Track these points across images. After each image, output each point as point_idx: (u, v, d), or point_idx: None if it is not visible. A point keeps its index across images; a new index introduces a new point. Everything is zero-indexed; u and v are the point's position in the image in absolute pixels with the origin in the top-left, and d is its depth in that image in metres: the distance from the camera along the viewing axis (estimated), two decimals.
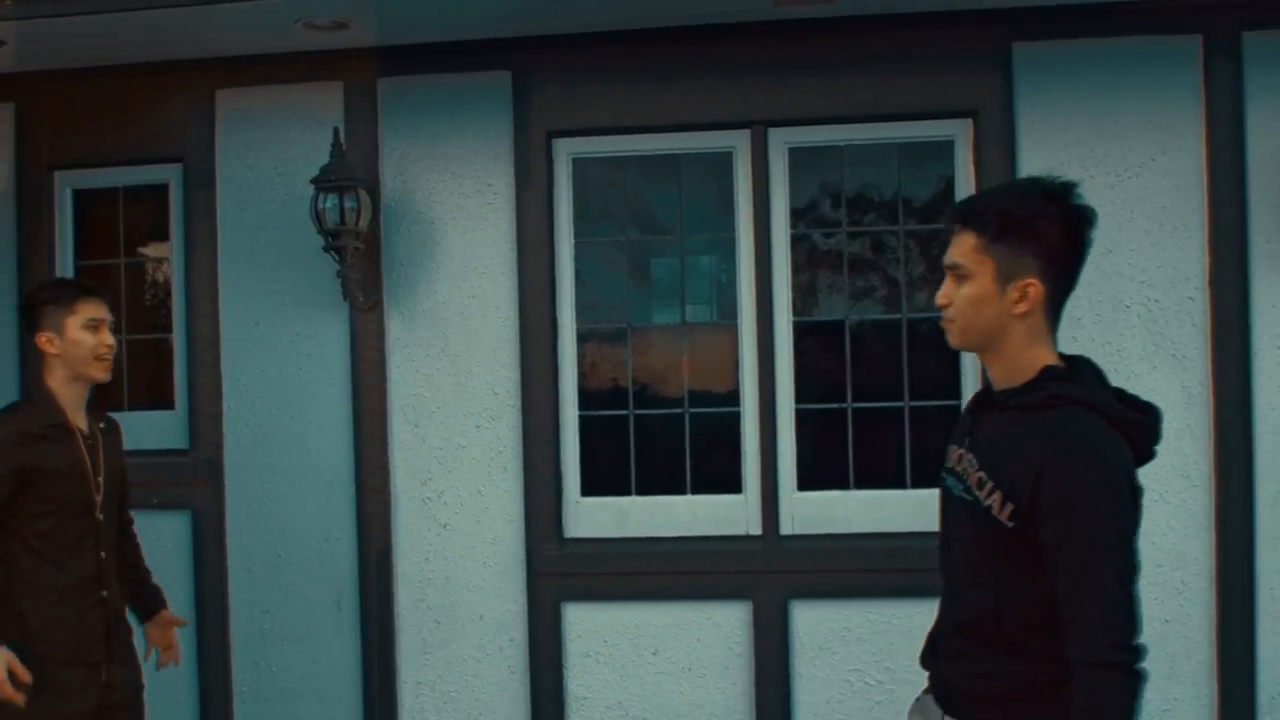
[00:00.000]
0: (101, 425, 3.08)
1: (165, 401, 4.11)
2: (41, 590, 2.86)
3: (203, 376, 4.06)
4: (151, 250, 4.25)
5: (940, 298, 1.98)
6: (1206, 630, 3.74)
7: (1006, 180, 3.75)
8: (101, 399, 4.07)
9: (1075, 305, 3.74)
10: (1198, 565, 3.75)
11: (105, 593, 2.99)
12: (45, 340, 2.93)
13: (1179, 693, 3.76)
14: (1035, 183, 1.96)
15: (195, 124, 4.07)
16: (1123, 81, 3.78)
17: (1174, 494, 3.75)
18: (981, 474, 1.91)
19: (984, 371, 2.05)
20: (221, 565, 4.05)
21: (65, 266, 4.16)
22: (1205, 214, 3.76)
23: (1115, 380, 3.77)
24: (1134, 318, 3.78)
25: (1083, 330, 3.78)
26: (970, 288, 1.92)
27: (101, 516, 2.98)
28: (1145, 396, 3.69)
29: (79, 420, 2.98)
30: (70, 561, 2.90)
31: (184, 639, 4.02)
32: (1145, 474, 3.74)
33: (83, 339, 2.93)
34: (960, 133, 3.90)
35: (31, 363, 3.99)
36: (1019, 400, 1.92)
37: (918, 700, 2.17)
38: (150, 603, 3.26)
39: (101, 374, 2.98)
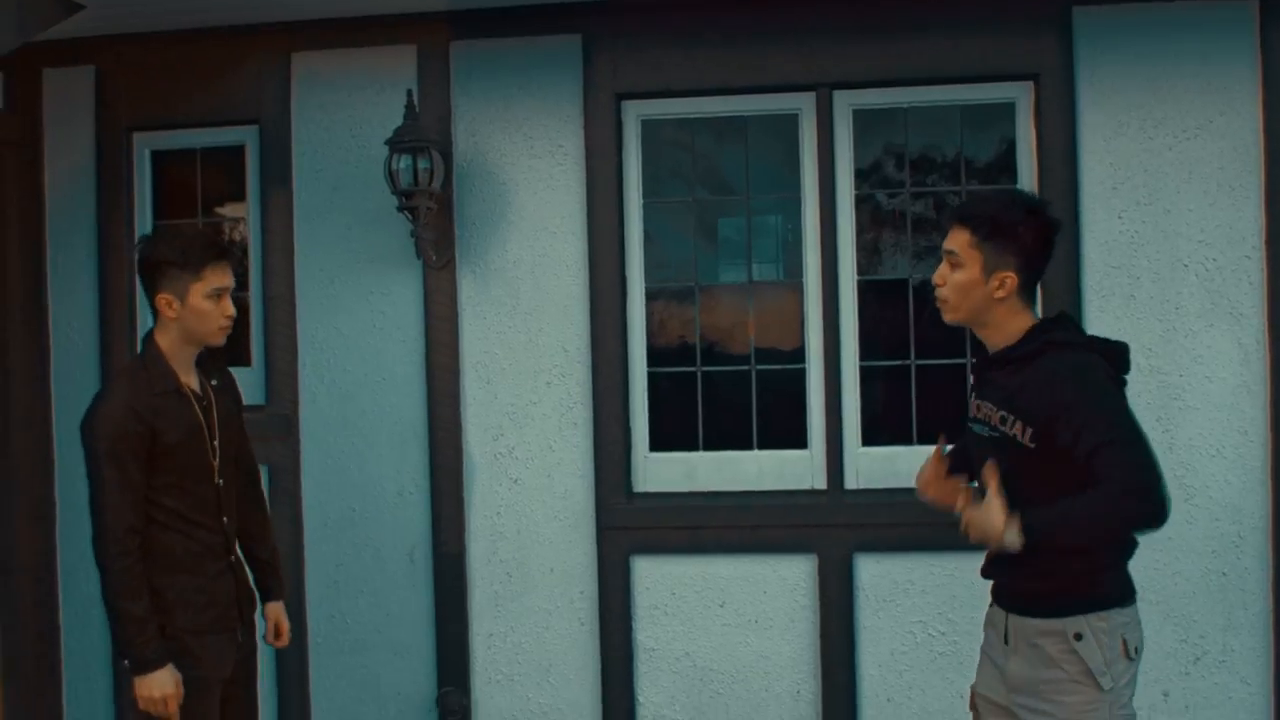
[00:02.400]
0: (214, 381, 2.95)
1: (242, 359, 4.17)
2: (173, 562, 2.77)
3: (279, 334, 4.13)
4: (228, 210, 4.32)
5: (936, 277, 2.46)
6: (1263, 582, 3.82)
7: (1064, 141, 3.87)
8: None
9: (1134, 264, 3.87)
10: (1254, 519, 3.82)
11: (232, 558, 2.95)
12: (164, 303, 2.76)
13: (1236, 644, 3.84)
14: (1019, 196, 2.56)
15: (271, 87, 4.14)
16: (1180, 45, 3.85)
17: (1230, 449, 3.83)
18: (1003, 413, 2.38)
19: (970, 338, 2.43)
20: (297, 519, 4.12)
21: (144, 226, 4.22)
22: (1261, 175, 3.82)
23: (1174, 337, 3.89)
24: (1192, 276, 3.85)
25: (1141, 289, 3.86)
26: (961, 274, 2.40)
27: (220, 482, 2.88)
28: (1202, 354, 3.87)
29: (191, 381, 2.85)
30: (196, 531, 2.81)
31: None
32: (1202, 430, 3.84)
33: (205, 309, 2.76)
34: (1022, 95, 3.97)
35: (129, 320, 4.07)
36: (1018, 353, 2.40)
37: (989, 610, 2.59)
38: (272, 589, 3.16)
39: (219, 340, 2.86)
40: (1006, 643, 2.47)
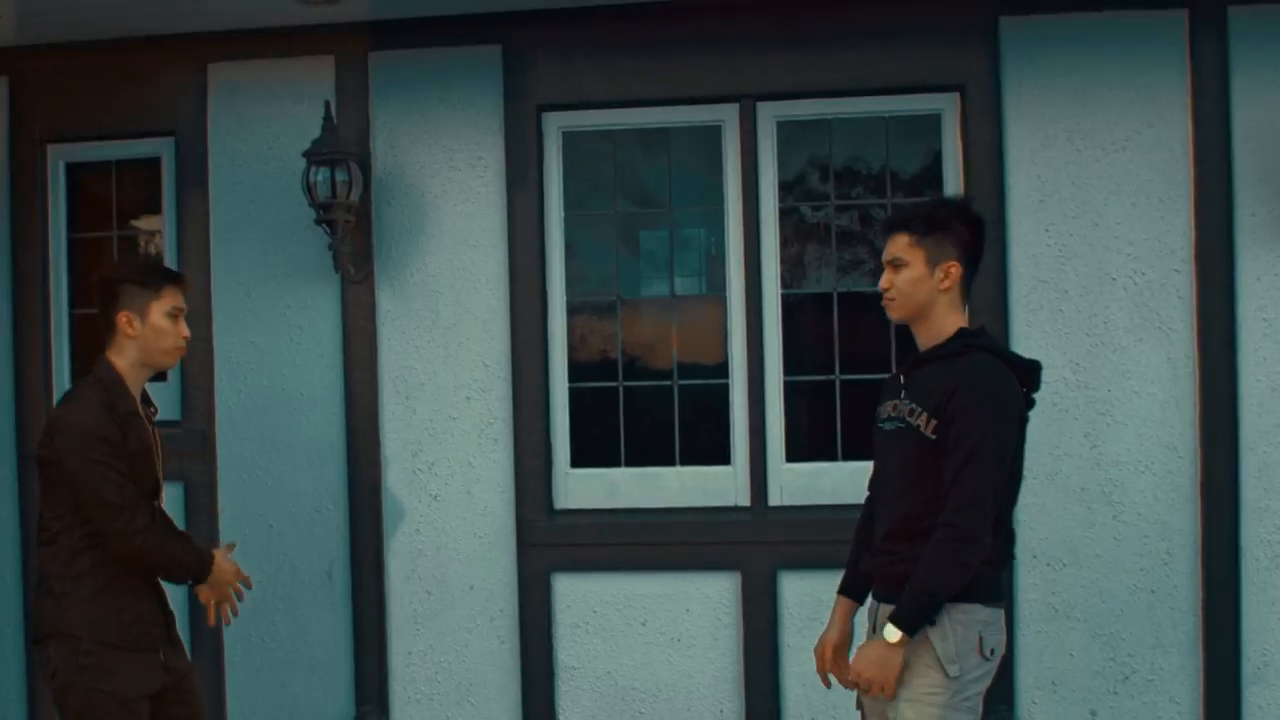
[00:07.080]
0: (150, 408, 3.02)
1: (158, 374, 4.11)
2: (102, 579, 2.79)
3: (195, 348, 4.00)
4: (144, 223, 4.28)
5: (883, 284, 2.60)
6: (1192, 600, 3.77)
7: (991, 153, 3.83)
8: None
9: (1061, 277, 3.83)
10: (1183, 536, 3.78)
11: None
12: (125, 320, 2.83)
13: (1165, 662, 3.79)
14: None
15: (187, 98, 4.10)
16: (1109, 56, 3.81)
17: (1159, 465, 3.78)
18: (913, 406, 2.51)
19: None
20: (213, 536, 4.05)
21: (58, 239, 4.20)
22: (1191, 187, 3.79)
23: (1102, 351, 3.84)
24: (1120, 290, 3.81)
25: (1069, 302, 3.81)
26: (907, 272, 2.53)
27: (157, 502, 2.93)
28: (1131, 369, 3.90)
29: (139, 405, 2.91)
30: None
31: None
32: (1130, 446, 3.74)
33: (165, 327, 2.85)
34: (948, 106, 3.93)
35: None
36: (941, 353, 2.55)
37: (868, 603, 2.70)
38: None
39: (172, 363, 2.96)
40: (875, 632, 2.54)
